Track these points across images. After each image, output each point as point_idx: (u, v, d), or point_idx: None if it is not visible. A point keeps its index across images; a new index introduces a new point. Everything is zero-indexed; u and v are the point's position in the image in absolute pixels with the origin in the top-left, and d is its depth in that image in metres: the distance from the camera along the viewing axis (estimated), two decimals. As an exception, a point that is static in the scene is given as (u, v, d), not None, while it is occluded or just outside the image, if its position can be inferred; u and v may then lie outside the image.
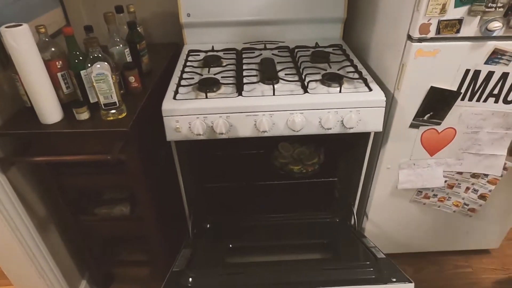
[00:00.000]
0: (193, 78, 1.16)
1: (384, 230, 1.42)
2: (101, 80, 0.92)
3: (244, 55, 1.34)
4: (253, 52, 1.35)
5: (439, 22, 0.93)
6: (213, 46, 1.40)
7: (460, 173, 1.24)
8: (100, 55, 0.93)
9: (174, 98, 1.05)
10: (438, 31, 0.94)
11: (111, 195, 1.34)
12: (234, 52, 1.36)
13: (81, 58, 0.98)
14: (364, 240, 1.19)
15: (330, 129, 1.05)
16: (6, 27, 0.85)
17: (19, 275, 1.18)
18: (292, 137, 1.51)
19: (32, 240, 1.12)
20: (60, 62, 0.99)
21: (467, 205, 1.32)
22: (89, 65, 0.91)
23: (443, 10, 0.91)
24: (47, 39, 0.97)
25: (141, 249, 1.57)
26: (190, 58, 1.32)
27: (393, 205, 1.33)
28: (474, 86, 1.04)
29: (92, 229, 1.28)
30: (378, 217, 1.38)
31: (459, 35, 0.95)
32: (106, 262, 1.51)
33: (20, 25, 0.85)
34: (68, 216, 1.21)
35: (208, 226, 1.34)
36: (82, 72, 0.98)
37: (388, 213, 1.36)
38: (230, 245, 1.21)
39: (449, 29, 0.94)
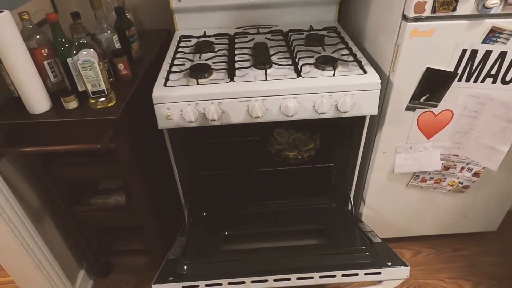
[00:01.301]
0: (184, 65, 1.14)
1: (381, 214, 1.41)
2: (87, 68, 0.90)
3: (236, 40, 1.31)
4: (246, 37, 1.32)
5: (435, 0, 0.90)
6: (205, 32, 1.37)
7: (457, 155, 1.22)
8: (86, 42, 0.90)
9: (165, 85, 1.03)
10: (433, 9, 0.91)
11: (106, 185, 1.33)
12: (227, 37, 1.33)
13: (67, 45, 0.96)
14: (361, 225, 1.18)
15: (324, 113, 1.03)
16: (-13, 14, 0.82)
17: (15, 266, 1.17)
18: (288, 123, 1.48)
19: (27, 231, 1.11)
20: (46, 50, 0.96)
21: (461, 183, 1.31)
22: (74, 52, 0.89)
23: (451, 6, 0.88)
24: (31, 26, 0.94)
25: (138, 239, 1.57)
26: (181, 44, 1.29)
27: (390, 190, 1.32)
28: (471, 66, 1.01)
29: (87, 219, 1.27)
30: (375, 202, 1.37)
31: (455, 13, 0.92)
32: (104, 252, 1.52)
33: (1, 11, 0.82)
34: (63, 207, 1.20)
35: (204, 214, 1.33)
36: (69, 60, 0.96)
37: (385, 198, 1.36)
38: (226, 233, 1.20)
39: (445, 8, 0.92)
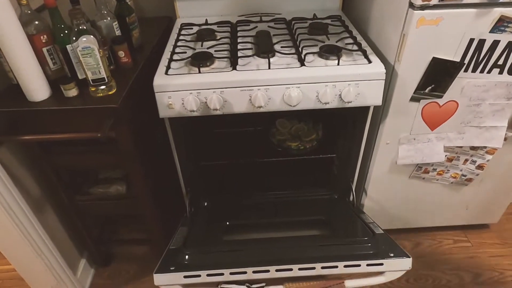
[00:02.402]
0: (185, 53, 1.12)
1: (383, 206, 1.41)
2: (87, 55, 0.88)
3: (239, 28, 1.28)
4: (248, 25, 1.29)
5: (443, -13, 0.88)
6: (206, 19, 1.34)
7: (460, 147, 1.21)
8: (85, 28, 0.88)
9: (166, 73, 1.02)
10: (441, -3, 0.89)
11: (107, 174, 1.32)
12: (229, 25, 1.31)
13: (66, 31, 0.94)
14: (363, 216, 1.18)
15: (328, 103, 1.01)
16: (-16, -2, 0.80)
17: (16, 255, 1.17)
18: (290, 113, 1.48)
19: (28, 220, 1.11)
20: (45, 36, 0.94)
21: (465, 176, 1.31)
22: (74, 38, 0.87)
23: None
24: (29, 12, 0.92)
25: (139, 228, 1.57)
26: (183, 32, 1.27)
27: (392, 181, 1.31)
28: (478, 56, 0.99)
29: (88, 208, 1.27)
30: (377, 193, 1.37)
31: (463, 1, 0.90)
32: (105, 241, 1.52)
33: (-1, -4, 0.80)
34: (63, 196, 1.19)
35: (205, 204, 1.33)
36: (68, 47, 0.94)
37: (387, 189, 1.35)
38: (228, 223, 1.20)
39: (453, -5, 0.89)
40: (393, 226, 1.50)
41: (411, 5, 0.93)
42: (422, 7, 0.91)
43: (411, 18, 0.93)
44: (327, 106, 1.02)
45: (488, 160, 1.25)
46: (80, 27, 0.88)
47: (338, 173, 1.36)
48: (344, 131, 1.22)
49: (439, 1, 0.90)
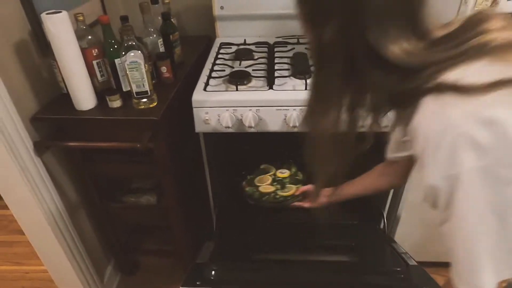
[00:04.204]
0: (224, 71, 1.15)
1: (415, 235, 1.35)
2: (134, 69, 0.93)
3: (276, 49, 1.31)
4: (286, 46, 1.32)
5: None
6: (245, 40, 1.38)
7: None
8: (134, 44, 0.93)
9: (205, 89, 1.05)
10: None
11: (139, 184, 1.36)
12: (266, 45, 1.34)
13: (116, 46, 1.00)
14: (395, 245, 1.13)
15: (363, 126, 1.00)
16: (47, 13, 0.87)
17: (50, 256, 1.22)
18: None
19: (63, 222, 1.15)
20: (96, 50, 1.00)
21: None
22: (123, 53, 0.92)
23: (494, 2, 0.85)
24: (84, 27, 0.99)
25: (166, 240, 1.58)
26: (221, 51, 1.31)
27: (427, 210, 1.25)
28: None
29: (119, 216, 1.31)
30: (410, 221, 1.31)
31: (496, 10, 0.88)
32: (132, 249, 1.54)
33: (60, 12, 0.87)
34: (97, 202, 1.23)
35: (233, 220, 1.32)
36: (117, 61, 0.99)
37: (421, 218, 1.29)
38: (256, 241, 1.19)
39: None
40: (425, 258, 1.43)
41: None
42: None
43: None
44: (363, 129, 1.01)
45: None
46: (130, 43, 0.93)
47: (369, 198, 1.32)
48: (376, 156, 1.19)
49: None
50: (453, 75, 0.44)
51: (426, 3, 0.48)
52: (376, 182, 0.94)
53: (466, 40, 0.46)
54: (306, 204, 1.09)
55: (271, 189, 1.19)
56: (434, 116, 0.45)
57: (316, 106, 0.59)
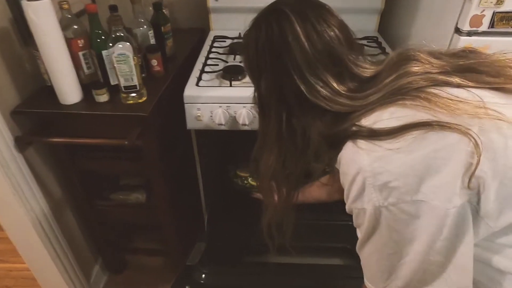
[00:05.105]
0: (217, 65, 1.11)
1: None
2: (122, 61, 0.88)
3: (272, 44, 1.27)
4: (282, 41, 1.28)
5: (494, 14, 0.83)
6: (240, 33, 1.33)
7: None
8: (123, 35, 0.88)
9: (197, 84, 1.01)
10: (491, 24, 0.85)
11: (128, 181, 1.31)
12: (262, 40, 1.29)
13: (103, 37, 0.94)
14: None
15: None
16: (28, 0, 0.81)
17: (32, 255, 1.17)
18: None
19: (47, 221, 1.11)
20: (82, 40, 0.95)
21: None
22: (110, 44, 0.87)
23: (500, 0, 0.81)
24: (70, 16, 0.93)
25: (155, 238, 1.54)
26: (215, 44, 1.27)
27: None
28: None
29: (107, 214, 1.26)
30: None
31: (516, 29, 0.85)
32: (120, 248, 1.50)
33: (42, -1, 0.81)
34: (84, 200, 1.18)
35: (225, 220, 1.29)
36: (104, 52, 0.94)
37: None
38: (247, 242, 1.15)
39: (504, 23, 0.85)
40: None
41: (458, 31, 0.89)
42: (470, 33, 0.87)
43: (456, 44, 0.89)
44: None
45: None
46: (118, 34, 0.88)
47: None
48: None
49: (488, 28, 0.85)
50: (370, 119, 0.50)
51: (349, 52, 0.56)
52: (319, 191, 0.98)
53: (385, 85, 0.52)
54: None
55: (246, 174, 1.27)
56: (350, 162, 0.51)
57: (262, 145, 0.66)
